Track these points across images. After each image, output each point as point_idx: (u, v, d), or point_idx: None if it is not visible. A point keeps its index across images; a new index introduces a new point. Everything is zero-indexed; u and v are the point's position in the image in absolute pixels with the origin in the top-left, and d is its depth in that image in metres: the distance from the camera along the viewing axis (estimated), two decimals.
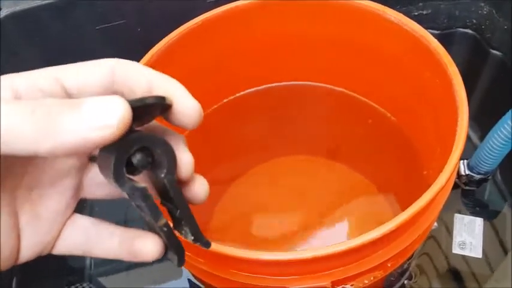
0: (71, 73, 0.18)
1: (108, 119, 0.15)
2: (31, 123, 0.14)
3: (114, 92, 0.19)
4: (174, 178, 0.19)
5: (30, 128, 0.14)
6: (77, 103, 0.15)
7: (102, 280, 0.55)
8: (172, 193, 0.19)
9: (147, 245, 0.19)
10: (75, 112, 0.15)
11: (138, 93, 0.18)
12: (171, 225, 0.20)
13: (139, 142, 0.17)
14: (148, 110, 0.17)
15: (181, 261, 0.20)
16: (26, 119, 0.14)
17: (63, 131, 0.14)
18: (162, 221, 0.19)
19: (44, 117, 0.14)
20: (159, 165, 0.19)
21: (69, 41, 0.51)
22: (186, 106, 0.19)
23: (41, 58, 0.52)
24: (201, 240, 0.20)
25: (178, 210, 0.19)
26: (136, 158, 0.17)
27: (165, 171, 0.18)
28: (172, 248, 0.20)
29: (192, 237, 0.20)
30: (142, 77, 0.18)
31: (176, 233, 0.20)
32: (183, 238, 0.20)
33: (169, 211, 0.20)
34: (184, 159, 0.20)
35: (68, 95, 0.18)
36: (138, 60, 0.41)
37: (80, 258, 0.57)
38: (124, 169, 0.17)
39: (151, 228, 0.20)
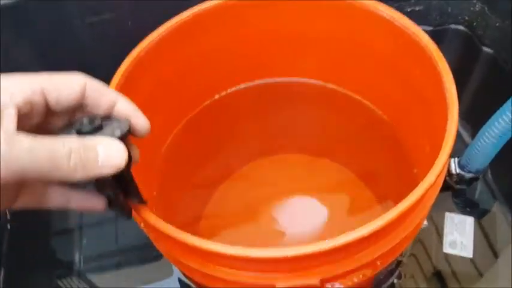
0: (51, 88, 0.23)
1: (119, 162, 0.23)
2: (68, 163, 0.21)
3: (83, 104, 0.25)
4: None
5: (68, 166, 0.21)
6: (93, 147, 0.22)
7: (91, 277, 0.55)
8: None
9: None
10: (97, 158, 0.22)
11: (102, 109, 0.25)
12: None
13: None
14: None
15: (128, 216, 0.29)
16: (64, 161, 0.21)
17: (90, 169, 0.22)
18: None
19: (77, 162, 0.22)
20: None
21: (58, 34, 0.51)
22: (140, 123, 0.26)
23: (31, 50, 0.51)
24: (139, 199, 0.29)
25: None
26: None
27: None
28: (118, 206, 0.28)
29: (136, 199, 0.29)
30: (108, 97, 0.25)
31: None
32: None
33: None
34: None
35: (47, 105, 0.24)
36: (127, 53, 0.41)
37: (69, 253, 0.56)
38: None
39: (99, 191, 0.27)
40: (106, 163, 0.22)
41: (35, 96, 0.23)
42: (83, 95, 0.24)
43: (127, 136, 0.25)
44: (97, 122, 0.24)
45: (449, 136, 0.32)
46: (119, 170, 0.23)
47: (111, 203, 0.28)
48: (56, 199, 0.26)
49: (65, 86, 0.24)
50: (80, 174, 0.22)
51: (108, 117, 0.25)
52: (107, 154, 0.22)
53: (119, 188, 0.27)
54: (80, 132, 0.24)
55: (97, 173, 0.22)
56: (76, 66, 0.53)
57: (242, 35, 0.48)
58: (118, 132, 0.24)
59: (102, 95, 0.25)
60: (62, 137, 0.22)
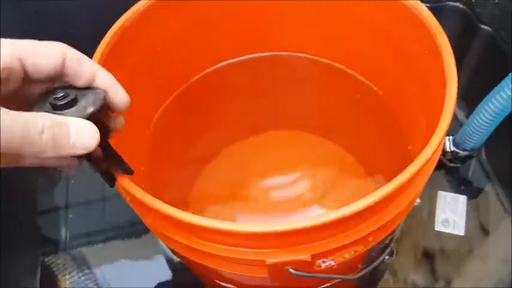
0: (30, 55, 0.23)
1: (90, 144, 0.23)
2: (40, 140, 0.22)
3: (63, 74, 0.25)
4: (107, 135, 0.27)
5: (40, 143, 0.22)
6: (66, 127, 0.23)
7: (77, 252, 0.54)
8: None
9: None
10: (69, 138, 0.23)
11: (81, 80, 0.25)
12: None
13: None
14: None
15: (110, 184, 0.29)
16: (36, 138, 0.21)
17: (61, 148, 0.23)
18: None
19: (49, 140, 0.22)
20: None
21: (42, 6, 0.49)
22: (119, 98, 0.27)
23: (14, 20, 0.49)
24: (124, 169, 0.29)
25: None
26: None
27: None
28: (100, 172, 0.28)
29: (120, 169, 0.29)
30: (88, 69, 0.25)
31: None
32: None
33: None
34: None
35: (26, 72, 0.24)
36: (112, 23, 0.39)
37: (55, 230, 0.56)
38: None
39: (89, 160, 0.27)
40: (77, 144, 0.23)
41: (14, 63, 0.23)
42: (62, 65, 0.24)
43: (102, 110, 0.25)
44: (71, 95, 0.24)
45: (448, 111, 0.31)
46: (90, 151, 0.23)
47: (93, 167, 0.28)
48: (32, 159, 0.25)
49: (44, 54, 0.24)
50: (51, 153, 0.22)
51: (84, 89, 0.25)
52: (78, 136, 0.23)
53: (99, 158, 0.27)
54: (53, 105, 0.24)
55: (69, 153, 0.23)
56: (59, 36, 0.52)
57: (234, 5, 0.46)
58: (91, 108, 0.24)
59: (82, 66, 0.25)
60: (36, 114, 0.22)
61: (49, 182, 0.59)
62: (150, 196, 0.29)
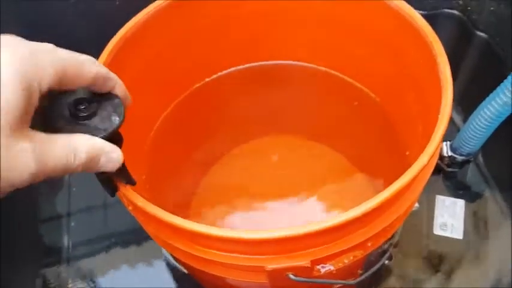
0: (68, 76, 0.23)
1: (117, 166, 0.26)
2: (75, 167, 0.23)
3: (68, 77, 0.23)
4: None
5: (74, 169, 0.23)
6: (98, 155, 0.24)
7: (79, 261, 0.54)
8: None
9: None
10: (99, 163, 0.24)
11: (103, 91, 0.26)
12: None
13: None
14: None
15: (111, 194, 0.30)
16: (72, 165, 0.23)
17: (89, 170, 0.24)
18: None
19: (82, 166, 0.23)
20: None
21: (43, 13, 0.49)
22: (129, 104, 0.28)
23: (16, 28, 0.50)
24: (127, 179, 0.29)
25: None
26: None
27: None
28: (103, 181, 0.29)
29: (124, 180, 0.29)
30: (111, 83, 0.26)
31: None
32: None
33: None
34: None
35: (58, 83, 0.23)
36: (114, 33, 0.40)
37: (57, 238, 0.56)
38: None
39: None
40: (105, 167, 0.25)
41: (55, 83, 0.22)
42: (91, 83, 0.25)
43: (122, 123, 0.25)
44: (93, 107, 0.25)
45: (443, 118, 0.31)
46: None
47: (97, 176, 0.28)
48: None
49: (79, 75, 0.24)
50: (80, 170, 0.24)
51: (102, 96, 0.26)
52: (107, 160, 0.25)
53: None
54: (75, 116, 0.24)
55: (95, 171, 0.25)
56: (62, 45, 0.52)
57: (233, 16, 0.47)
58: (116, 122, 0.25)
59: (107, 82, 0.25)
60: (75, 139, 0.23)
61: (50, 190, 0.59)
62: (151, 205, 0.29)
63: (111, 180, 0.29)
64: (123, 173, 0.29)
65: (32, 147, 0.21)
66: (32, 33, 0.49)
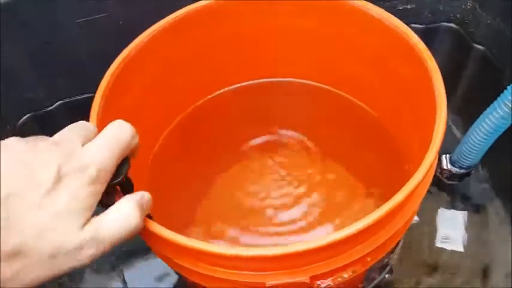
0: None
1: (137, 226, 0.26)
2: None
3: None
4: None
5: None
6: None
7: (85, 276, 0.55)
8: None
9: None
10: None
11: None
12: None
13: None
14: None
15: None
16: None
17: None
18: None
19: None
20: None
21: (50, 34, 0.51)
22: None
23: (23, 50, 0.51)
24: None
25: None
26: None
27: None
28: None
29: None
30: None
31: None
32: None
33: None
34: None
35: None
36: (118, 53, 0.41)
37: None
38: None
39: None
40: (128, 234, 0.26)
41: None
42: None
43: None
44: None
45: (437, 135, 0.32)
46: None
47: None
48: None
49: (125, 153, 0.27)
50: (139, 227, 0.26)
51: None
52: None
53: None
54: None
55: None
56: (67, 65, 0.54)
57: (232, 35, 0.48)
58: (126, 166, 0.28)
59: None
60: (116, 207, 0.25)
61: None
62: (155, 223, 0.30)
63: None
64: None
65: (92, 230, 0.23)
66: (37, 51, 0.51)
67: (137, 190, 0.32)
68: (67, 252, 0.22)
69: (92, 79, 0.44)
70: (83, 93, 0.57)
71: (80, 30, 0.50)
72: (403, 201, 0.30)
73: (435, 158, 0.31)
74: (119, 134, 0.26)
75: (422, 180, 0.30)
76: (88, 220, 0.23)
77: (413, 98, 0.40)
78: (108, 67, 0.40)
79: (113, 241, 0.24)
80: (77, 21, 0.50)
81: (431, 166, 0.31)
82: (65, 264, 0.22)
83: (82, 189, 0.22)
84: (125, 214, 0.25)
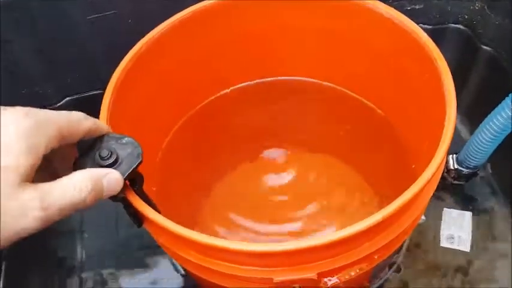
0: (65, 136, 0.26)
1: (119, 181, 0.28)
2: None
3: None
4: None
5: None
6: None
7: (92, 274, 0.55)
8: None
9: None
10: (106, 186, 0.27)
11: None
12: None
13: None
14: None
15: (138, 224, 0.32)
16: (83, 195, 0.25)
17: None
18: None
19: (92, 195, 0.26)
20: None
21: (59, 31, 0.51)
22: None
23: (32, 47, 0.51)
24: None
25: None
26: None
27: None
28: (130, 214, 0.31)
29: None
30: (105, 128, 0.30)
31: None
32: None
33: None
34: None
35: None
36: (128, 50, 0.41)
37: (71, 251, 0.57)
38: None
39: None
40: (110, 189, 0.27)
41: (55, 144, 0.26)
42: (85, 135, 0.28)
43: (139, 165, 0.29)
44: (114, 155, 0.28)
45: (447, 134, 0.32)
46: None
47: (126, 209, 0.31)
48: None
49: (74, 132, 0.27)
50: (89, 202, 0.26)
51: (121, 142, 0.29)
52: (108, 181, 0.27)
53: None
54: (100, 165, 0.28)
55: (105, 197, 0.28)
56: (76, 62, 0.54)
57: (241, 34, 0.48)
58: (133, 165, 0.28)
59: (97, 131, 0.29)
60: (69, 176, 0.26)
61: None
62: (162, 217, 0.30)
63: (137, 212, 0.31)
64: (147, 203, 0.31)
65: (37, 193, 0.23)
66: (48, 46, 0.51)
67: (146, 185, 0.32)
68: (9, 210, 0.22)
69: (99, 76, 0.45)
70: (91, 90, 0.57)
71: (90, 27, 0.51)
72: (412, 200, 0.30)
73: (444, 157, 0.32)
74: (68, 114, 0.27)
75: (431, 179, 0.30)
76: (29, 180, 0.24)
77: (422, 97, 0.40)
78: (117, 64, 0.40)
79: (60, 206, 0.24)
80: (87, 18, 0.50)
81: (440, 165, 0.31)
82: (9, 228, 0.22)
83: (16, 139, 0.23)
84: (76, 182, 0.25)
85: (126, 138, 0.29)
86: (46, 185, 0.24)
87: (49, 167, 0.28)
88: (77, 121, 0.27)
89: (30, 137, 0.24)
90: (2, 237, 0.22)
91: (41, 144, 0.24)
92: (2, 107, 0.24)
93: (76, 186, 0.25)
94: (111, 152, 0.28)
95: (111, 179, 0.27)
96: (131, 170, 0.28)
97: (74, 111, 0.27)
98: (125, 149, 0.29)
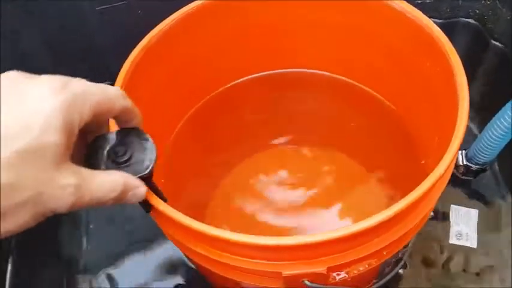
0: (98, 113, 0.25)
1: (140, 198, 0.27)
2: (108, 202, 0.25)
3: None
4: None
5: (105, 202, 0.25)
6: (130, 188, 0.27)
7: (99, 270, 0.55)
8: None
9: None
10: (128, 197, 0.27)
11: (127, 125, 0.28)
12: None
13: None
14: None
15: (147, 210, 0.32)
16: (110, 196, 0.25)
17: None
18: None
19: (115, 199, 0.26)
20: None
21: (68, 22, 0.51)
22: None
23: (41, 37, 0.51)
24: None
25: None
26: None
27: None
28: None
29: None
30: (137, 117, 0.28)
31: None
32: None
33: None
34: None
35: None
36: (137, 42, 0.41)
37: (76, 246, 0.57)
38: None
39: None
40: (129, 201, 0.27)
41: (90, 119, 0.24)
42: (118, 116, 0.27)
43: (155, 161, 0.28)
44: (129, 152, 0.27)
45: (459, 129, 0.32)
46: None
47: None
48: None
49: (109, 109, 0.26)
50: (109, 204, 0.26)
51: (134, 136, 0.28)
52: (133, 194, 0.27)
53: None
54: (115, 162, 0.27)
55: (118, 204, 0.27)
56: (85, 53, 0.54)
57: (250, 25, 0.48)
58: (149, 165, 0.28)
59: (131, 115, 0.27)
60: (108, 174, 0.25)
61: None
62: (171, 208, 0.30)
63: (146, 199, 0.31)
64: (155, 192, 0.31)
65: (74, 181, 0.23)
66: (57, 37, 0.51)
67: (155, 177, 0.32)
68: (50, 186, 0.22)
69: (109, 68, 0.44)
70: (100, 82, 0.57)
71: (99, 17, 0.51)
72: (422, 196, 0.29)
73: (456, 153, 0.31)
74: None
75: (444, 174, 0.30)
76: (66, 160, 0.23)
77: (433, 91, 0.40)
78: (126, 56, 0.40)
79: (91, 199, 0.24)
80: (97, 8, 0.50)
81: (453, 159, 0.31)
82: (48, 203, 0.22)
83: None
84: (112, 182, 0.25)
85: (148, 141, 0.28)
86: (84, 172, 0.24)
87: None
88: (114, 97, 0.26)
89: (68, 112, 0.22)
90: (35, 215, 0.22)
91: (77, 120, 0.23)
92: (37, 76, 0.23)
93: (111, 186, 0.25)
94: (127, 150, 0.27)
95: (137, 193, 0.27)
96: (143, 174, 0.28)
97: (111, 86, 0.26)
98: (144, 150, 0.28)
